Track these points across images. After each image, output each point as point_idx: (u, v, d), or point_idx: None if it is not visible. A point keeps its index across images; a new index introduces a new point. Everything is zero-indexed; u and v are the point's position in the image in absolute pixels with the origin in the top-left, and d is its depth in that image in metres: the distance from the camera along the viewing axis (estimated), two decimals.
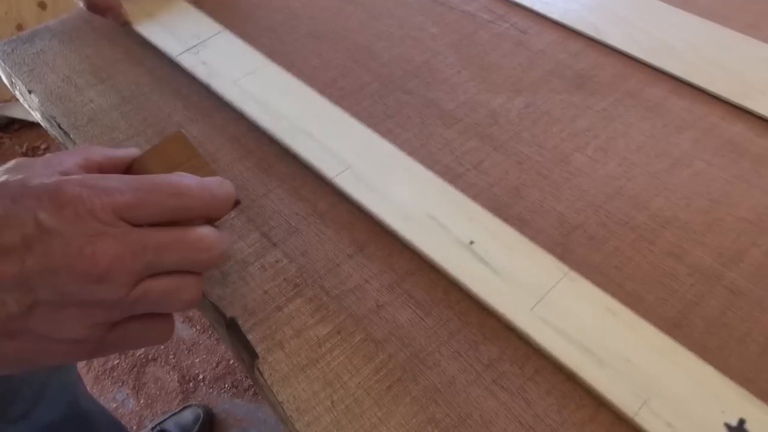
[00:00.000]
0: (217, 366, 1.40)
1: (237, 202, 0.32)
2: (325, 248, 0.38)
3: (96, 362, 1.42)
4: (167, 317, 0.30)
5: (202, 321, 1.49)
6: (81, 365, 1.43)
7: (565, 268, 0.34)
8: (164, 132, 0.45)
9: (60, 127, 0.47)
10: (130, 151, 0.32)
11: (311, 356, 0.33)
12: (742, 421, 0.28)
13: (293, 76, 0.47)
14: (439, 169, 0.41)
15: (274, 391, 0.32)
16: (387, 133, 0.44)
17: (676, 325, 0.33)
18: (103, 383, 1.39)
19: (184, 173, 0.29)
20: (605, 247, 0.36)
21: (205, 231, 0.28)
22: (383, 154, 0.41)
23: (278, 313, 0.35)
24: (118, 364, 1.42)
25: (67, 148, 0.48)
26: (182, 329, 1.48)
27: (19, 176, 0.26)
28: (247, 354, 0.34)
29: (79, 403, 0.90)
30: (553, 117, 0.44)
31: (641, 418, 0.29)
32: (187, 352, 1.43)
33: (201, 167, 0.32)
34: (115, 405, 1.35)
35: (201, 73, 0.48)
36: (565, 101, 0.45)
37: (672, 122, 0.43)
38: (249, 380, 1.37)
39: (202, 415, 1.27)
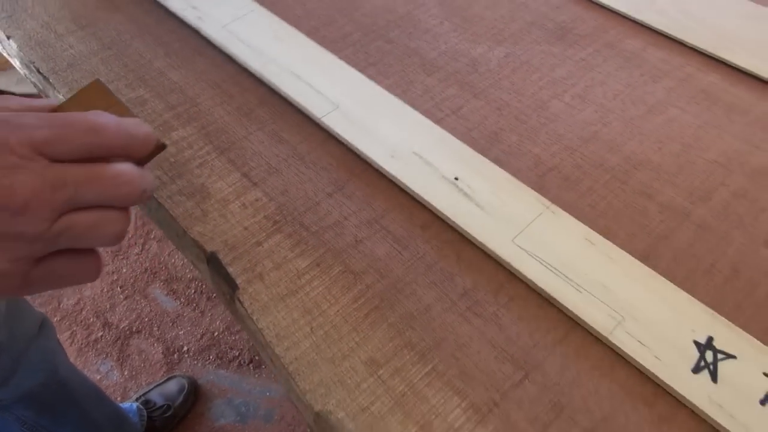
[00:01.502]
0: (201, 338, 1.41)
1: (162, 146, 0.31)
2: (305, 187, 0.38)
3: (79, 335, 1.42)
4: (93, 254, 0.29)
5: (186, 293, 1.49)
6: (64, 337, 1.42)
7: (546, 201, 0.35)
8: (145, 77, 0.45)
9: (39, 72, 0.47)
10: (49, 102, 0.31)
11: (291, 287, 0.33)
12: (710, 339, 0.30)
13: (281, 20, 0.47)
14: (420, 114, 0.42)
15: (254, 319, 0.32)
16: (369, 79, 0.44)
17: (645, 257, 0.34)
18: (86, 355, 1.39)
19: (101, 111, 0.29)
20: (580, 186, 0.37)
21: (124, 167, 0.28)
22: (370, 95, 0.42)
23: (258, 247, 0.35)
24: (102, 336, 1.41)
25: (46, 95, 0.47)
26: (166, 302, 1.48)
27: None
28: (228, 286, 0.34)
29: (59, 371, 0.90)
30: (532, 66, 0.45)
31: (615, 338, 0.30)
32: (171, 324, 1.43)
33: (122, 114, 0.30)
34: (99, 377, 1.35)
35: (190, 17, 0.48)
36: (545, 51, 0.46)
37: (649, 72, 0.44)
38: (234, 351, 1.38)
39: (186, 386, 1.28)
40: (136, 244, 1.58)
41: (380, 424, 0.28)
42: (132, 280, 1.52)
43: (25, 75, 0.50)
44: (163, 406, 1.23)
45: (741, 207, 0.36)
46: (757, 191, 0.37)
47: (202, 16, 0.48)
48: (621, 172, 0.38)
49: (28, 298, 1.39)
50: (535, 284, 0.32)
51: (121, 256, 1.58)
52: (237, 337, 1.40)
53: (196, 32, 0.48)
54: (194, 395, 1.30)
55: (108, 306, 1.47)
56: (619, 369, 0.30)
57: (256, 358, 1.37)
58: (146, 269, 1.55)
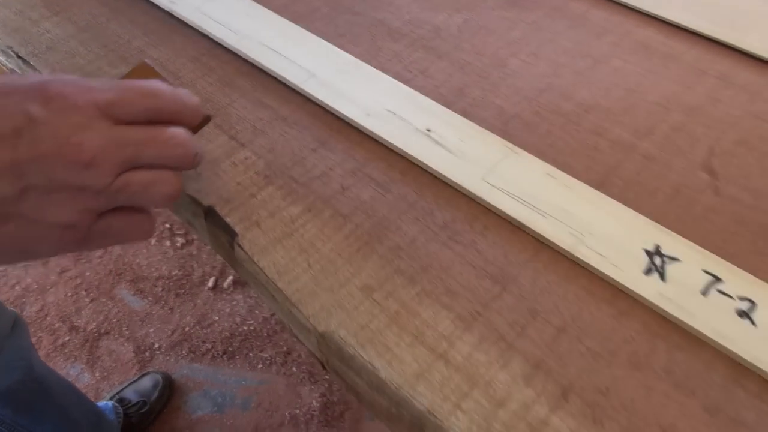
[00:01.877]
0: (172, 334, 1.41)
1: (208, 117, 0.35)
2: (291, 145, 0.41)
3: (45, 341, 1.40)
4: (148, 214, 0.32)
5: (154, 292, 1.49)
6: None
7: (510, 144, 0.39)
8: (125, 56, 0.47)
9: (19, 57, 0.48)
10: None
11: (286, 231, 0.36)
12: (657, 246, 0.34)
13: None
14: (390, 76, 0.45)
15: (255, 260, 0.35)
16: (339, 48, 0.48)
17: (599, 184, 0.38)
18: (54, 360, 1.37)
19: (158, 80, 0.32)
20: (539, 130, 0.42)
21: (178, 130, 0.31)
22: (342, 62, 0.45)
23: (252, 199, 0.38)
24: (69, 340, 1.40)
25: None
26: (134, 302, 1.47)
27: (3, 79, 0.28)
28: (227, 235, 0.37)
29: (34, 368, 0.90)
30: (489, 30, 0.49)
31: (579, 252, 0.34)
32: (140, 323, 1.43)
33: None
34: (70, 380, 1.33)
35: (163, 0, 0.50)
36: (500, 16, 0.50)
37: (593, 30, 0.49)
38: (206, 344, 1.39)
39: (161, 381, 1.28)
40: None
41: (379, 338, 0.32)
42: (97, 283, 1.51)
43: (2, 63, 0.51)
44: (139, 402, 1.23)
45: (679, 139, 0.41)
46: (692, 125, 0.42)
47: (175, 0, 0.50)
48: (574, 116, 0.42)
49: None
50: (506, 214, 0.36)
51: (84, 260, 1.56)
52: (209, 330, 1.41)
53: (169, 13, 0.50)
54: (169, 389, 1.30)
55: (73, 310, 1.46)
56: (582, 277, 0.34)
57: (230, 349, 1.38)
58: (110, 271, 1.53)
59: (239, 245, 0.36)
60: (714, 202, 0.37)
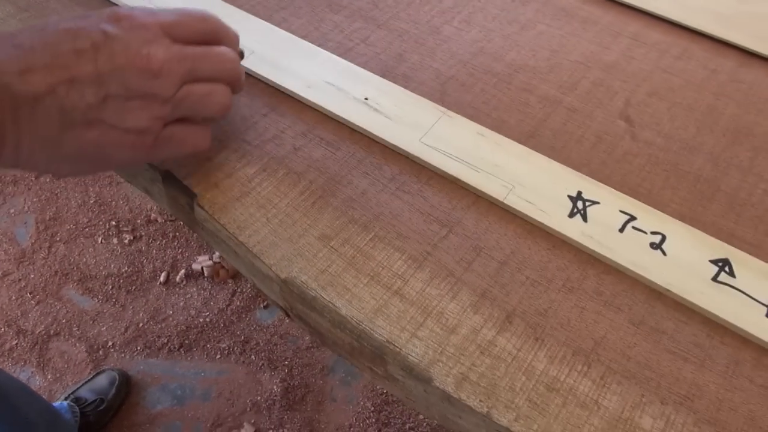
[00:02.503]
0: (126, 331, 1.39)
1: (241, 54, 0.40)
2: (242, 111, 0.43)
3: None
4: (204, 126, 0.36)
5: (104, 290, 1.46)
6: None
7: (443, 109, 0.42)
8: None
9: None
10: None
11: (243, 190, 0.38)
12: (579, 192, 0.38)
13: None
14: (332, 46, 0.48)
15: (216, 217, 0.37)
16: (282, 22, 0.50)
17: (531, 136, 0.42)
18: (2, 365, 1.33)
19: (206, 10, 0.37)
20: (474, 89, 0.45)
21: (227, 48, 0.36)
22: (281, 39, 0.47)
23: (208, 162, 0.40)
24: (17, 344, 1.36)
25: None
26: (83, 302, 1.44)
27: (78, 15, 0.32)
28: (186, 197, 0.38)
29: None
30: (423, 0, 0.52)
31: (509, 200, 0.38)
32: (91, 322, 1.40)
33: None
34: None
35: None
36: None
37: None
38: (162, 339, 1.38)
39: (117, 377, 1.27)
40: (41, 248, 1.52)
41: (338, 280, 0.34)
42: (42, 285, 1.47)
43: None
44: (96, 400, 1.22)
45: (599, 93, 0.45)
46: (610, 80, 0.46)
47: None
48: (505, 76, 0.46)
49: None
50: (443, 171, 0.39)
51: (27, 262, 1.51)
52: (163, 325, 1.40)
53: None
54: (127, 386, 1.29)
55: (19, 313, 1.42)
56: (519, 218, 0.38)
57: (186, 342, 1.38)
58: (56, 272, 1.50)
59: (199, 205, 0.38)
60: (631, 147, 0.42)
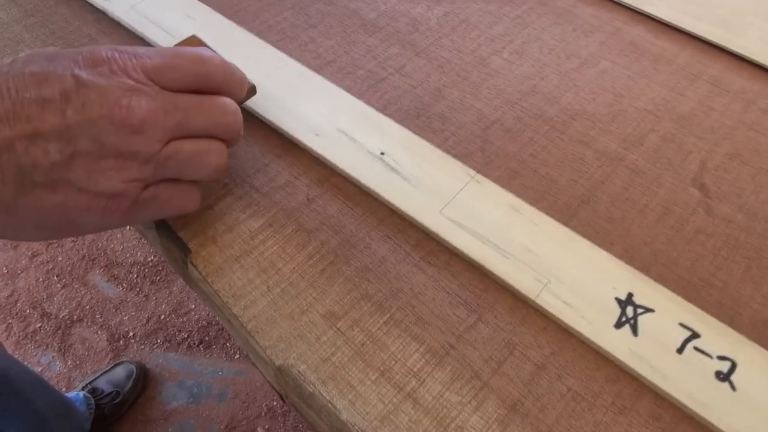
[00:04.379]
0: (147, 322, 1.38)
1: (253, 88, 0.36)
2: (253, 150, 0.38)
3: (16, 327, 1.36)
4: (194, 185, 0.31)
5: (128, 278, 1.45)
6: (0, 330, 1.36)
7: (472, 172, 0.36)
8: (74, 44, 0.43)
9: None
10: None
11: (244, 248, 0.33)
12: (630, 295, 0.31)
13: None
14: (363, 74, 0.42)
15: (209, 281, 0.32)
16: (309, 42, 0.44)
17: (584, 201, 0.36)
18: (25, 348, 1.33)
19: (206, 49, 0.32)
20: (521, 138, 0.39)
21: (226, 98, 0.30)
22: (293, 74, 0.41)
23: (209, 211, 0.35)
24: (40, 327, 1.36)
25: None
26: (107, 288, 1.43)
27: (52, 49, 0.28)
28: (179, 250, 0.34)
29: None
30: (471, 24, 0.46)
31: (543, 299, 0.31)
32: (114, 310, 1.40)
33: None
34: (40, 369, 1.30)
35: None
36: (481, 9, 0.47)
37: (580, 27, 0.46)
38: (183, 334, 1.36)
39: (135, 371, 1.25)
40: None
41: (341, 373, 0.29)
42: (69, 268, 1.47)
43: None
44: (112, 392, 1.21)
45: (670, 151, 0.38)
46: (684, 136, 0.39)
47: None
48: (559, 123, 0.40)
49: None
50: (463, 252, 0.33)
51: (56, 245, 1.51)
52: (185, 319, 1.38)
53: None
54: (143, 380, 1.27)
55: (45, 296, 1.42)
56: None
57: (206, 338, 1.35)
58: (84, 256, 1.49)
59: (192, 264, 0.33)
60: (705, 223, 0.35)
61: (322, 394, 0.28)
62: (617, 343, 0.30)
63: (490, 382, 0.29)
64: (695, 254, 0.34)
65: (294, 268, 0.33)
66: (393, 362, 0.29)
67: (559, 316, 0.31)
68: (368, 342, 0.30)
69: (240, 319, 0.31)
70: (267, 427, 1.23)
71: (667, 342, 0.30)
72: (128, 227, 1.51)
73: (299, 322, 0.31)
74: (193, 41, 0.37)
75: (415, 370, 0.29)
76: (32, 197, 0.25)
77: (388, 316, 0.31)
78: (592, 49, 0.44)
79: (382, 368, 0.29)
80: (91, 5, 0.46)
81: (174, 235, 0.34)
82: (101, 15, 0.45)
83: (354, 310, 0.31)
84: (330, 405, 0.28)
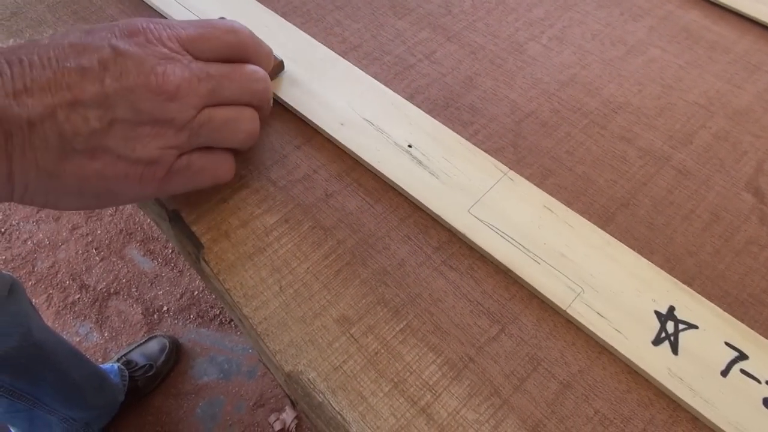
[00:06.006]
0: (181, 297, 1.40)
1: (281, 63, 0.36)
2: (271, 140, 0.36)
3: (56, 298, 1.40)
4: (228, 154, 0.31)
5: (164, 253, 1.47)
6: (40, 300, 1.41)
7: (504, 168, 0.33)
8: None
9: None
10: None
11: (258, 245, 0.32)
12: (671, 308, 0.29)
13: None
14: (390, 60, 0.40)
15: (221, 279, 0.31)
16: (336, 25, 0.42)
17: (624, 204, 0.33)
18: (64, 318, 1.37)
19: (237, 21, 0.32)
20: (557, 132, 0.36)
21: (256, 66, 0.31)
22: (318, 59, 0.39)
23: (223, 204, 0.33)
24: (79, 298, 1.40)
25: None
26: (143, 263, 1.46)
27: (90, 25, 0.28)
28: (192, 245, 0.32)
29: (32, 333, 0.89)
30: (508, 6, 0.43)
31: (574, 310, 0.29)
32: (149, 284, 1.42)
33: None
34: (78, 339, 1.34)
35: None
36: None
37: (629, 10, 0.42)
38: (215, 310, 1.37)
39: (168, 345, 1.27)
40: None
41: (353, 383, 0.28)
42: (107, 242, 1.50)
43: None
44: (146, 365, 1.23)
45: (722, 150, 0.35)
46: (738, 133, 0.36)
47: None
48: (600, 116, 0.37)
49: None
50: (491, 255, 0.30)
51: (95, 218, 1.54)
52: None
53: None
54: (176, 354, 1.30)
55: (84, 268, 1.45)
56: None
57: None
58: (121, 230, 1.52)
59: (204, 260, 0.32)
60: (759, 233, 0.32)
61: (331, 405, 0.27)
62: (655, 362, 0.27)
63: (511, 400, 0.27)
64: (745, 267, 0.31)
65: (308, 268, 0.31)
66: (407, 373, 0.28)
67: (592, 328, 0.28)
68: (382, 350, 0.28)
69: (250, 320, 0.29)
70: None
71: (710, 363, 0.27)
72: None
73: (311, 327, 0.29)
74: None
75: (430, 383, 0.27)
76: (73, 164, 0.26)
77: (404, 323, 0.29)
78: (640, 35, 0.41)
79: (395, 379, 0.28)
80: None
81: (187, 229, 0.33)
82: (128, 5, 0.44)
83: (369, 316, 0.29)
84: (339, 416, 0.27)
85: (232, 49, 0.30)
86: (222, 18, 0.36)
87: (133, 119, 0.26)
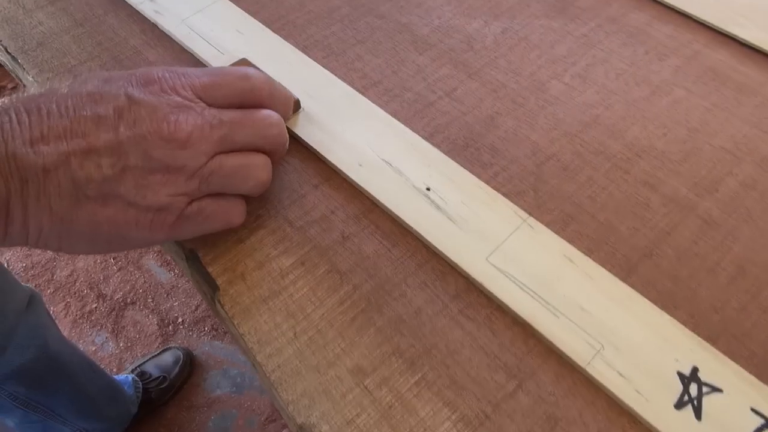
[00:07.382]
0: (196, 309, 1.40)
1: (297, 103, 0.37)
2: (290, 178, 0.36)
3: (74, 306, 1.42)
4: (239, 199, 0.32)
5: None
6: (58, 308, 1.42)
7: (524, 214, 0.33)
8: (119, 57, 0.43)
9: (7, 52, 0.44)
10: None
11: (274, 288, 0.32)
12: (695, 370, 0.28)
13: (245, 11, 0.44)
14: (411, 97, 0.39)
15: (235, 323, 0.31)
16: (356, 59, 0.42)
17: (646, 254, 0.32)
18: (81, 327, 1.38)
19: (251, 68, 0.33)
20: (579, 176, 0.35)
21: (270, 111, 0.31)
22: (338, 96, 0.38)
23: (240, 244, 0.33)
24: (96, 308, 1.41)
25: (16, 76, 0.45)
26: (160, 273, 1.47)
27: (109, 72, 0.30)
28: (208, 286, 0.32)
29: (49, 345, 0.90)
30: (531, 43, 0.42)
31: (594, 368, 0.28)
32: (165, 295, 1.43)
33: None
34: (94, 348, 1.35)
35: (147, 10, 0.44)
36: (544, 26, 0.43)
37: (654, 49, 0.42)
38: None
39: (182, 357, 1.28)
40: None
41: None
42: (125, 252, 1.51)
43: None
44: (159, 377, 1.24)
45: (750, 199, 0.34)
46: (767, 181, 0.35)
47: (160, 10, 0.44)
48: (623, 161, 0.36)
49: (17, 271, 1.37)
50: (508, 307, 0.30)
51: None
52: None
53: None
54: (190, 366, 1.30)
55: (101, 277, 1.47)
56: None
57: None
58: None
59: (220, 303, 0.31)
60: None
61: None
62: (677, 427, 0.26)
63: None
64: None
65: (323, 315, 0.31)
66: (422, 430, 0.27)
67: (612, 388, 0.27)
68: (396, 404, 0.28)
69: (264, 368, 0.29)
70: None
71: (735, 430, 0.26)
72: None
73: (325, 376, 0.29)
74: (244, 63, 0.38)
75: None
76: (85, 210, 0.26)
77: (419, 375, 0.29)
78: (665, 75, 0.40)
79: None
80: (138, 16, 0.45)
81: (203, 270, 0.33)
82: (148, 27, 0.44)
83: (383, 367, 0.29)
84: None
85: (246, 95, 0.31)
86: (244, 59, 0.37)
87: (145, 166, 0.27)
